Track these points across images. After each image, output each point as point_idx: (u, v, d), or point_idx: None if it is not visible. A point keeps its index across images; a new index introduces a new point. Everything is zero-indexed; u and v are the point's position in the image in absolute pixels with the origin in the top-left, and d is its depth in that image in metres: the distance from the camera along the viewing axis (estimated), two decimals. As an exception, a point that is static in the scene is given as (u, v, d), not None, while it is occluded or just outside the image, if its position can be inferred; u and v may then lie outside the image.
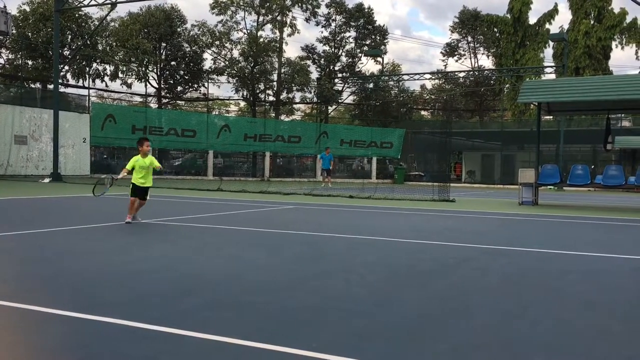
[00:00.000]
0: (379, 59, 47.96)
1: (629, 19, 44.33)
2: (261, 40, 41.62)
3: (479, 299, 4.41)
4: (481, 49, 55.50)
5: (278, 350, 3.00)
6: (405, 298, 4.39)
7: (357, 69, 48.59)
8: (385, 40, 49.13)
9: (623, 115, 38.97)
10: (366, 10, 46.75)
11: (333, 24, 46.67)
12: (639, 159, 37.16)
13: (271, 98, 44.85)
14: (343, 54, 47.78)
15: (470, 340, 3.31)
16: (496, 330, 3.54)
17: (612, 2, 44.49)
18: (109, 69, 35.36)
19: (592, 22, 44.94)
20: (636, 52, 45.31)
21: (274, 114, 44.88)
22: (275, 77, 43.32)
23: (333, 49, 47.28)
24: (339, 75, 47.96)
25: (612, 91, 15.69)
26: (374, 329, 3.48)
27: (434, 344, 3.22)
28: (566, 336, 3.44)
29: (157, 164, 9.57)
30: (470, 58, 56.51)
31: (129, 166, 9.23)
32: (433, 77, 51.61)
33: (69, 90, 34.45)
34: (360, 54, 47.88)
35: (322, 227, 9.57)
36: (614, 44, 45.23)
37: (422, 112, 62.57)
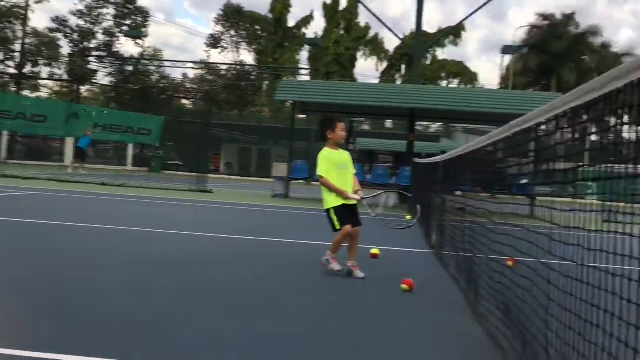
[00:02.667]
0: (139, 41, 45.98)
1: (372, 33, 49.78)
2: (2, 3, 36.67)
3: (234, 289, 4.55)
4: (243, 44, 56.89)
5: None
6: (160, 288, 4.32)
7: (115, 50, 45.89)
8: (147, 23, 47.40)
9: (364, 119, 43.67)
10: (127, -12, 44.44)
11: (89, -3, 43.32)
12: (375, 159, 41.99)
13: (12, 70, 39.82)
14: (100, 31, 44.68)
15: (216, 331, 3.40)
16: (245, 322, 3.70)
17: (359, 17, 49.44)
18: None
19: (342, 32, 49.34)
20: (376, 64, 51.16)
21: (15, 88, 39.92)
22: (18, 47, 38.56)
23: (88, 25, 43.86)
24: (95, 53, 44.71)
25: (355, 97, 17.48)
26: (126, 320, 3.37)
27: (177, 337, 3.24)
28: (308, 322, 3.75)
29: None
30: (233, 52, 57.58)
31: None
32: (196, 67, 51.40)
33: None
34: (119, 34, 45.30)
35: (64, 216, 8.86)
36: (359, 54, 50.34)
37: (184, 101, 61.78)
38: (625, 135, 2.19)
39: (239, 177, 38.13)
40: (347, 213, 5.37)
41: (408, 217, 12.81)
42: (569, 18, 47.78)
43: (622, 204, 2.12)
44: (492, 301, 3.79)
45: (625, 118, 2.05)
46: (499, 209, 3.97)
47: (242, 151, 45.08)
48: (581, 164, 2.36)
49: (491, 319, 3.73)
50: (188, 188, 17.51)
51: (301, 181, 23.03)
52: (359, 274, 5.32)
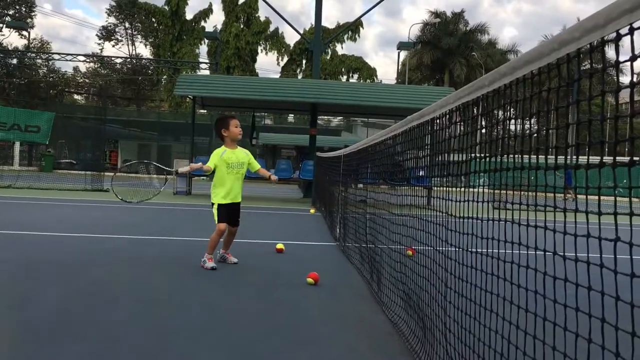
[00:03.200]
0: (24, 32, 42.99)
1: (272, 28, 49.68)
2: None
3: (126, 290, 4.37)
4: (139, 36, 54.86)
5: None
6: (47, 296, 4.06)
7: (-3, 41, 42.63)
8: (33, 13, 44.41)
9: (266, 113, 43.55)
10: (8, -25, 41.41)
11: (-35, -15, 39.98)
12: (278, 153, 42.08)
13: None
14: (-22, 21, 41.34)
15: (114, 333, 3.26)
16: (142, 319, 3.57)
17: (260, 11, 49.17)
18: None
19: (242, 26, 48.85)
20: (277, 59, 51.15)
21: None
22: None
23: (-35, 14, 40.48)
24: (-27, 45, 41.34)
25: (256, 91, 17.37)
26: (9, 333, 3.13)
27: (72, 343, 3.06)
28: (211, 318, 3.69)
29: None
30: (128, 45, 55.37)
31: None
32: (88, 60, 48.82)
33: None
34: (1, 25, 42.12)
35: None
36: (260, 48, 50.08)
37: (76, 96, 58.62)
38: (512, 128, 2.33)
39: (139, 175, 36.77)
40: (229, 213, 5.59)
41: (312, 210, 12.96)
42: (458, 16, 50.28)
43: (510, 193, 2.25)
44: (394, 290, 3.91)
45: (512, 112, 2.17)
46: (398, 201, 4.10)
47: (141, 147, 43.52)
48: (473, 155, 2.48)
49: (393, 307, 3.85)
50: (83, 187, 16.66)
51: (204, 178, 22.64)
52: (233, 259, 5.74)
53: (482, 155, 2.38)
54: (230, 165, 5.58)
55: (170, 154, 39.52)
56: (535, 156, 1.89)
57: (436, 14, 49.88)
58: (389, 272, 4.06)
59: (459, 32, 49.48)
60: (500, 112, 2.23)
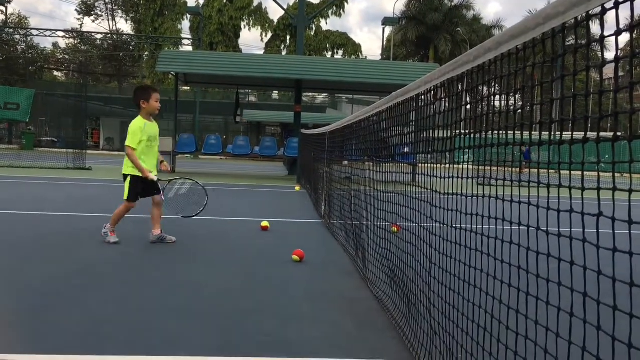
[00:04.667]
0: (2, 8, 42.01)
1: (256, 3, 49.01)
2: None
3: (111, 270, 4.35)
4: (120, 12, 53.85)
5: None
6: (30, 276, 4.03)
7: (-27, 16, 41.64)
8: (9, -13, 43.32)
9: (250, 90, 43.23)
10: (-16, -52, 40.20)
11: (-62, -43, 38.76)
12: (263, 131, 41.88)
13: None
14: (-47, -5, 40.20)
15: (100, 313, 3.24)
16: (128, 299, 3.56)
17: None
18: None
19: (225, 1, 48.13)
20: (261, 35, 50.57)
21: None
22: None
23: (-61, -12, 39.33)
24: (-52, 20, 40.34)
25: (240, 68, 17.18)
26: (-10, 315, 3.10)
27: (61, 323, 3.05)
28: (196, 297, 3.69)
29: None
30: (109, 20, 54.50)
31: None
32: (67, 36, 47.95)
33: None
34: (-24, -1, 41.06)
35: None
36: (243, 24, 49.44)
37: (56, 73, 57.61)
38: (496, 104, 2.32)
39: (121, 153, 36.43)
40: (144, 186, 5.42)
41: (297, 187, 12.95)
42: (444, -9, 49.96)
43: (494, 169, 2.26)
44: (379, 266, 3.93)
45: (496, 88, 2.16)
46: (383, 178, 4.10)
47: (124, 125, 42.86)
48: (457, 132, 2.47)
49: (378, 283, 3.87)
50: (65, 166, 16.47)
51: (187, 155, 22.48)
52: (171, 238, 5.56)
53: (467, 131, 2.38)
54: (150, 137, 5.44)
55: (154, 131, 39.09)
56: (519, 132, 1.88)
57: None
58: (374, 248, 4.08)
59: (444, 8, 49.22)
60: (485, 88, 2.22)
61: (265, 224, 6.65)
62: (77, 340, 2.77)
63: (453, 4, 49.98)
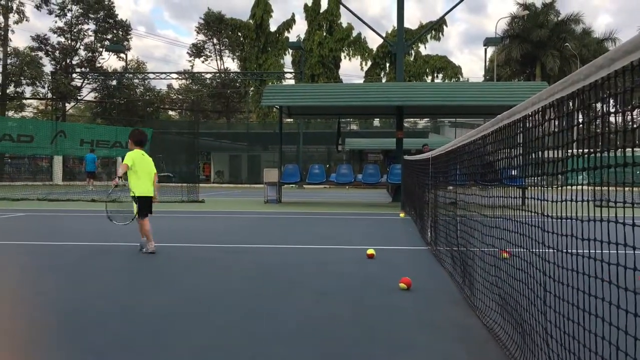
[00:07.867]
0: (122, 55, 45.83)
1: (354, 33, 49.81)
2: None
3: (220, 298, 4.53)
4: (227, 51, 56.82)
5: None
6: (147, 304, 4.29)
7: (99, 65, 45.74)
8: (129, 36, 47.23)
9: (351, 119, 43.74)
10: (106, 2, 44.25)
11: (69, 14, 43.13)
12: (365, 158, 42.04)
13: (-5, 92, 39.58)
14: (81, 47, 44.50)
15: (210, 340, 3.38)
16: (235, 328, 3.68)
17: (341, 17, 49.47)
18: None
19: (324, 33, 49.35)
20: (361, 64, 51.18)
21: (-1, 110, 39.69)
22: (-1, 68, 38.35)
23: (70, 42, 43.67)
24: (78, 70, 44.51)
25: (341, 98, 17.48)
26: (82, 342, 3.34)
27: (176, 349, 3.21)
28: (304, 325, 3.74)
29: None
30: (217, 60, 57.55)
31: None
32: (180, 77, 51.12)
33: None
34: (101, 49, 45.13)
35: (53, 235, 8.80)
36: (342, 54, 50.34)
37: (170, 112, 61.61)
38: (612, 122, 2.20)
39: (230, 185, 38.04)
40: (143, 205, 6.92)
41: (402, 214, 12.84)
42: (549, 6, 48.10)
43: (613, 189, 2.13)
44: (489, 294, 3.79)
45: (612, 106, 2.05)
46: (490, 202, 3.97)
47: (232, 159, 44.99)
48: (570, 152, 2.36)
49: (488, 312, 3.73)
50: (180, 199, 17.44)
51: (292, 185, 23.03)
52: (151, 248, 6.79)
53: (581, 152, 2.26)
54: (143, 168, 7.06)
55: (260, 163, 40.55)
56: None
57: (525, 6, 47.97)
58: (483, 275, 3.95)
59: (550, 24, 47.31)
60: (599, 106, 2.11)
61: (371, 251, 6.64)
62: None
63: (559, 18, 47.95)
